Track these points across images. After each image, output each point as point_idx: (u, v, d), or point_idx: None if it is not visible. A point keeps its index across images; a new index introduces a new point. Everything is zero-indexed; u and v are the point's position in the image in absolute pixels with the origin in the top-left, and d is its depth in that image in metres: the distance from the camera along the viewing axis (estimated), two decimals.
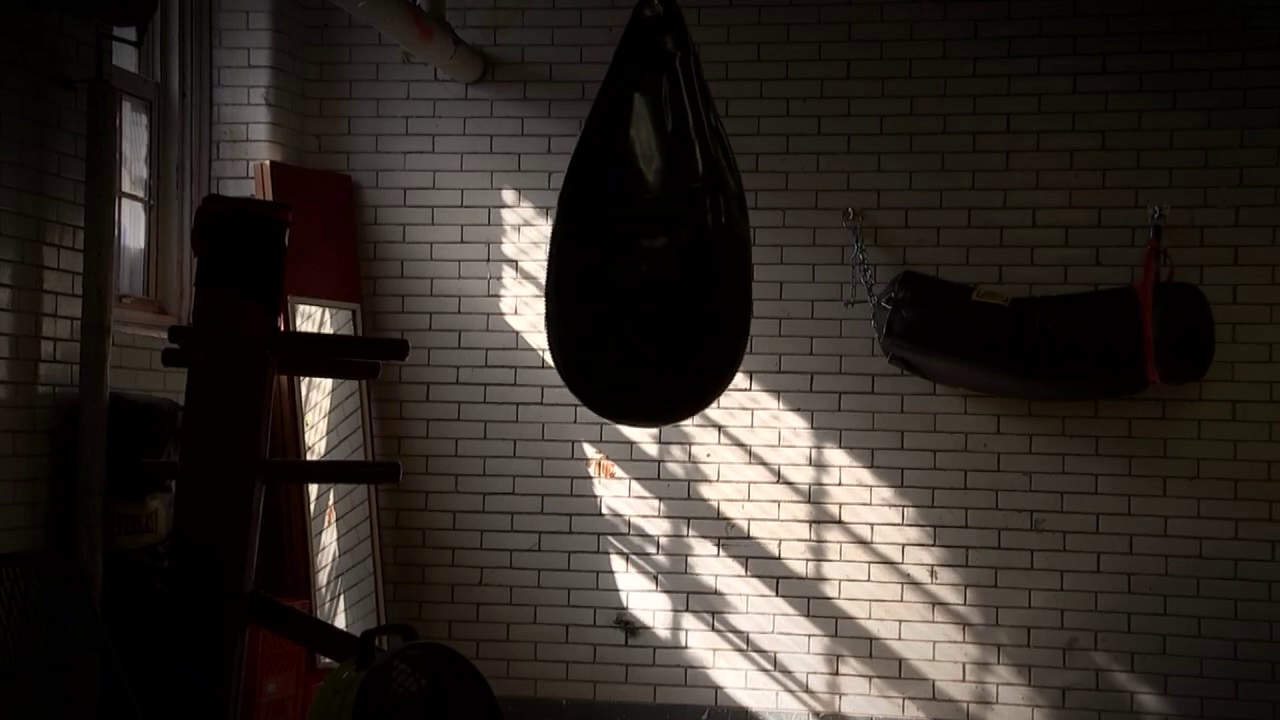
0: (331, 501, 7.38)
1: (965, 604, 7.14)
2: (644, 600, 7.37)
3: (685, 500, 7.35)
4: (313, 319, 7.37)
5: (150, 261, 6.92)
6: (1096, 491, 7.07)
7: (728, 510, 7.32)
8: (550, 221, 7.34)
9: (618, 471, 7.40)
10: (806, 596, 7.25)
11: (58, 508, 5.87)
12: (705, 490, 7.35)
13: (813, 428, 7.28)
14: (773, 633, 7.27)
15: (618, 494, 7.40)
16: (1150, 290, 6.72)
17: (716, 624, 7.31)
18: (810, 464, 7.27)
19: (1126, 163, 7.09)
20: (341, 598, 7.33)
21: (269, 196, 7.08)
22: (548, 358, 7.35)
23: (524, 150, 7.53)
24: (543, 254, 7.34)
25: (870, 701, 7.19)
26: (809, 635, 7.24)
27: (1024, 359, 6.82)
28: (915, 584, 7.17)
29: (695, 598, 7.33)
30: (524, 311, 7.51)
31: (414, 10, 6.90)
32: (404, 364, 7.32)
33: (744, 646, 7.29)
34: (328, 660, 6.49)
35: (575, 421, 7.39)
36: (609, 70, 4.91)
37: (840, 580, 7.24)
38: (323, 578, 7.21)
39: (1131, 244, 7.01)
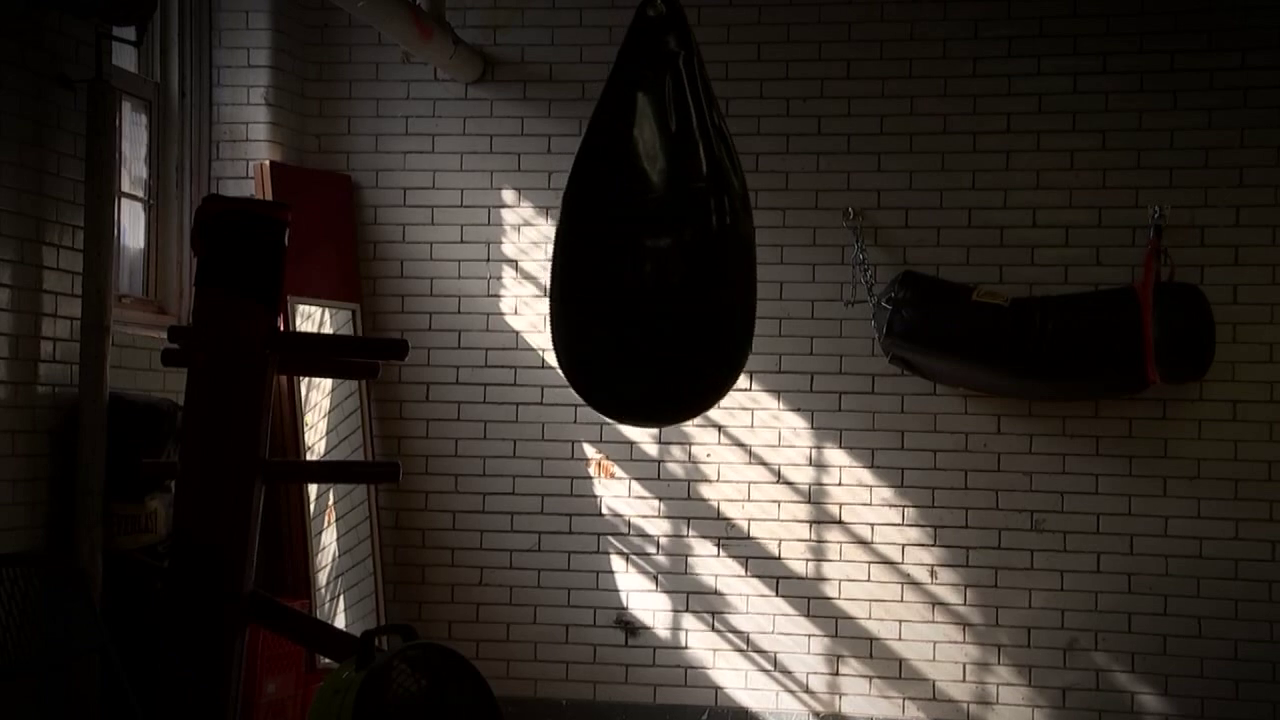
0: (331, 501, 7.38)
1: (965, 604, 7.14)
2: (644, 600, 7.37)
3: (685, 500, 7.35)
4: (313, 319, 7.37)
5: (150, 261, 6.91)
6: (1097, 491, 7.06)
7: (728, 510, 7.32)
8: (550, 221, 7.39)
9: (618, 471, 7.40)
10: (807, 597, 7.25)
11: (57, 508, 5.86)
12: (705, 490, 7.34)
13: (813, 428, 7.28)
14: (773, 633, 7.27)
15: (618, 494, 7.39)
16: (1151, 290, 6.72)
17: (716, 624, 7.31)
18: (810, 464, 7.27)
19: (1127, 162, 7.09)
20: (341, 598, 7.32)
21: (269, 196, 7.08)
22: (548, 358, 7.36)
23: (524, 150, 7.53)
24: (543, 254, 7.38)
25: (870, 702, 7.19)
26: (809, 635, 7.24)
27: (1024, 359, 6.82)
28: (915, 584, 7.17)
29: (695, 598, 7.33)
30: (524, 311, 7.50)
31: (414, 10, 6.89)
32: (404, 364, 7.32)
33: (744, 647, 7.29)
34: (328, 660, 6.48)
35: (575, 421, 7.39)
36: (612, 70, 4.90)
37: (840, 580, 7.23)
38: (323, 578, 7.21)
39: (1132, 244, 7.01)
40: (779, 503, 7.28)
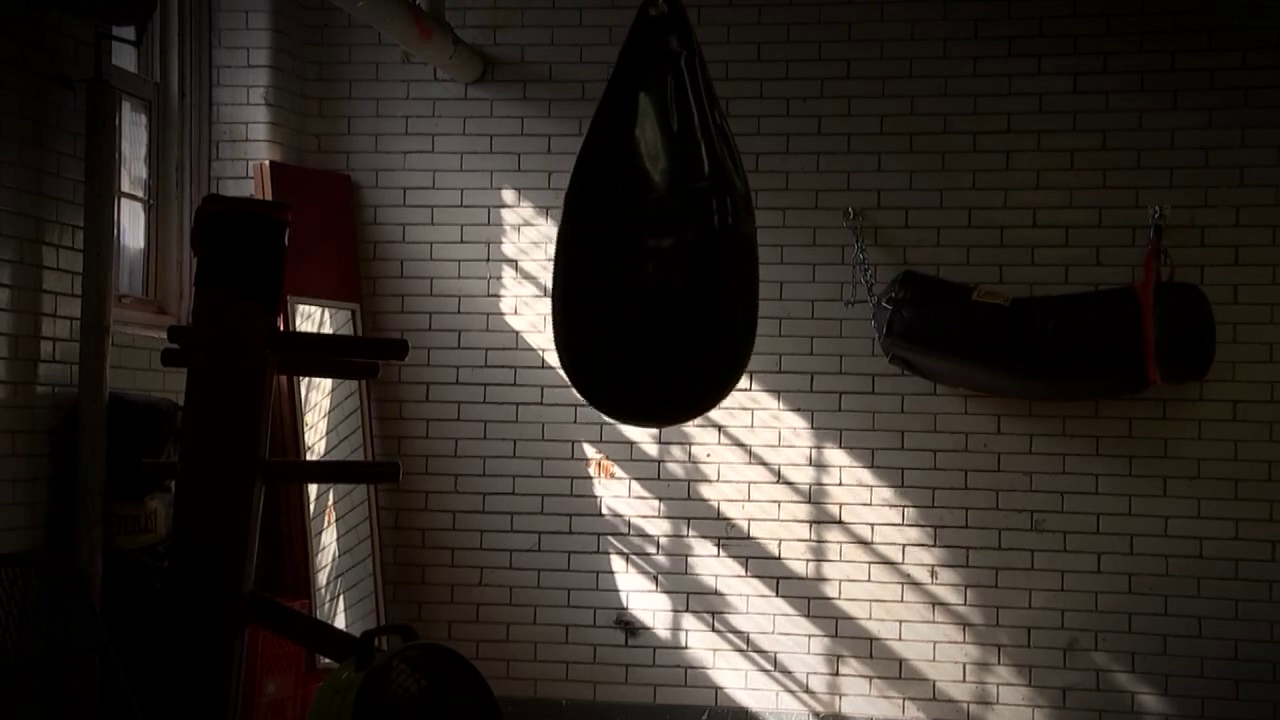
0: (331, 501, 7.38)
1: (965, 604, 7.14)
2: (644, 600, 7.36)
3: (685, 500, 7.35)
4: (312, 319, 7.37)
5: (150, 261, 6.91)
6: (1097, 491, 7.06)
7: (728, 510, 7.32)
8: (550, 221, 7.39)
9: (618, 471, 7.40)
10: (807, 597, 7.24)
11: (57, 508, 5.86)
12: (705, 490, 7.34)
13: (813, 428, 7.28)
14: (773, 633, 7.26)
15: (618, 494, 7.39)
16: (1151, 290, 6.71)
17: (716, 624, 7.31)
18: (810, 464, 7.27)
19: (1127, 162, 7.09)
20: (341, 598, 7.32)
21: (268, 196, 7.07)
22: (548, 358, 7.36)
23: (524, 150, 7.52)
24: (543, 254, 7.38)
25: (870, 702, 7.19)
26: (809, 635, 7.24)
27: (1024, 359, 6.82)
28: (915, 584, 7.17)
29: (695, 598, 7.32)
30: (524, 311, 7.50)
31: (414, 10, 6.89)
32: (404, 364, 7.31)
33: (744, 647, 7.28)
34: (327, 660, 6.48)
35: (575, 421, 7.38)
36: (614, 70, 4.89)
37: (840, 580, 7.23)
38: (322, 578, 7.20)
39: (1132, 244, 7.01)
40: (779, 503, 7.28)
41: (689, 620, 7.32)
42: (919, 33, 7.25)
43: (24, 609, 5.35)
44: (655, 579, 7.36)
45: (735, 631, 7.29)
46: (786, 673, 7.26)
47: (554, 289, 4.98)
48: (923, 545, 7.17)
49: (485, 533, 7.49)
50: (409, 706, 4.90)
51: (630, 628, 7.36)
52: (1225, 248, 7.00)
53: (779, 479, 7.28)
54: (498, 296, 7.52)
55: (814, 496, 7.26)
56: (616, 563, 7.38)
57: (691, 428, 7.26)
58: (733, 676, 7.29)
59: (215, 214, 5.53)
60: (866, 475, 7.23)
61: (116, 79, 6.34)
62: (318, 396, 7.35)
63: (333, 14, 7.51)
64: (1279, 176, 6.99)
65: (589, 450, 7.42)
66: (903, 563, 7.18)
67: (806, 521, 7.26)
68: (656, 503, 7.36)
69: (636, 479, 7.38)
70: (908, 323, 6.85)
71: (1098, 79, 7.12)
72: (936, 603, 7.16)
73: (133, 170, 6.82)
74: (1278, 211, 6.99)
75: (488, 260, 7.53)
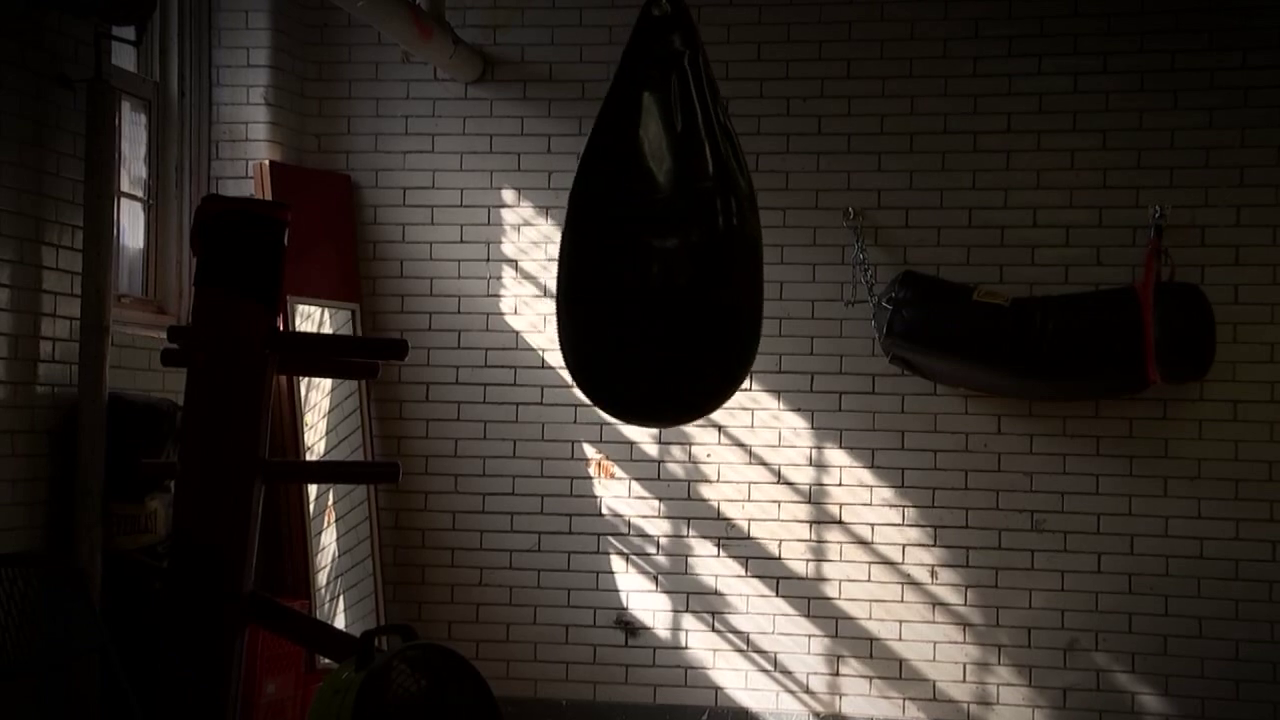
0: (331, 502, 7.37)
1: (966, 604, 7.14)
2: (644, 600, 7.36)
3: (685, 500, 7.34)
4: (312, 319, 7.36)
5: (149, 261, 6.91)
6: (1097, 492, 7.06)
7: (728, 510, 7.32)
8: (550, 221, 7.39)
9: (618, 472, 7.39)
10: (807, 597, 7.24)
11: (57, 508, 5.86)
12: (705, 490, 7.34)
13: (813, 428, 7.27)
14: (773, 633, 7.26)
15: (618, 494, 7.39)
16: (1151, 290, 6.71)
17: (716, 624, 7.30)
18: (810, 464, 7.27)
19: (1127, 162, 7.09)
20: (341, 598, 7.32)
21: (268, 196, 7.07)
22: (548, 358, 7.36)
23: (524, 150, 7.52)
24: (543, 254, 7.38)
25: (870, 702, 7.18)
26: (809, 636, 7.24)
27: (1025, 359, 6.81)
28: (916, 584, 7.17)
29: (695, 598, 7.32)
30: (524, 311, 7.50)
31: (414, 10, 6.89)
32: (404, 364, 7.31)
33: (744, 647, 7.28)
34: (327, 661, 6.47)
35: (575, 421, 7.38)
36: (617, 69, 4.89)
37: (840, 580, 7.23)
38: (322, 578, 7.20)
39: (1132, 244, 7.01)
40: (779, 503, 7.28)
41: (689, 620, 7.32)
42: (919, 33, 7.25)
43: (24, 609, 5.35)
44: (655, 579, 7.36)
45: (735, 632, 7.29)
46: (787, 673, 7.25)
47: (558, 289, 4.97)
48: (923, 545, 7.17)
49: (485, 533, 7.48)
50: (409, 706, 4.90)
51: (630, 628, 7.36)
52: (1226, 248, 7.00)
53: (779, 479, 7.28)
54: (498, 296, 7.52)
55: (814, 496, 7.26)
56: (616, 563, 7.38)
57: (692, 428, 7.25)
58: (733, 677, 7.29)
59: (215, 214, 5.52)
60: (866, 475, 7.22)
61: (116, 79, 6.34)
62: (317, 396, 7.35)
63: (332, 14, 7.51)
64: (1279, 176, 6.99)
65: (589, 450, 7.41)
66: (903, 563, 7.18)
67: (806, 521, 7.26)
68: (656, 503, 7.36)
69: (636, 479, 7.38)
70: (908, 323, 6.85)
71: (1098, 79, 7.12)
72: (937, 603, 7.15)
73: (132, 170, 6.81)
74: (1278, 211, 6.99)
75: (488, 260, 7.53)
